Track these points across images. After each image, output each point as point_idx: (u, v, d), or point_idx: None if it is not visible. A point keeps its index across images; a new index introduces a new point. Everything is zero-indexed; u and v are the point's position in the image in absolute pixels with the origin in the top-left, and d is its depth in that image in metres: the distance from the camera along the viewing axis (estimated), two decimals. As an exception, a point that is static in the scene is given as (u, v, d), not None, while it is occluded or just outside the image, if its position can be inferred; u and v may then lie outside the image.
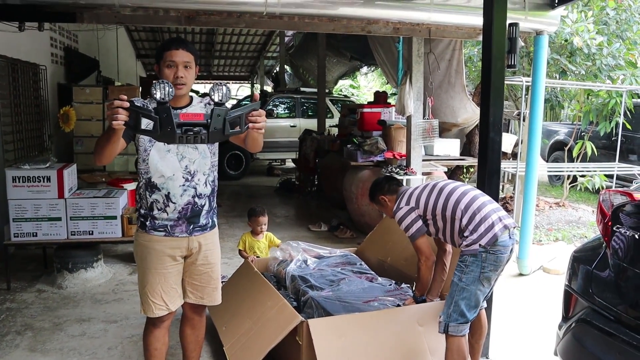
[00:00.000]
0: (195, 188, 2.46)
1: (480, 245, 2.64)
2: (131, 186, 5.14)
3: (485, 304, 2.96)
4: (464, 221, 2.72)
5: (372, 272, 3.66)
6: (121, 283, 4.59)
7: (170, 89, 2.02)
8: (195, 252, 2.54)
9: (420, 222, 2.89)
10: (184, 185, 2.43)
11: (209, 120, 1.99)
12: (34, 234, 4.42)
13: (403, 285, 3.40)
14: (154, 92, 2.00)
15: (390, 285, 3.43)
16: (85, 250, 4.60)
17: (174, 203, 2.43)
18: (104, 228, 4.53)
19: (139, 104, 2.10)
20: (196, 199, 2.47)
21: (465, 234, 2.71)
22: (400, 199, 2.99)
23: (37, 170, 4.40)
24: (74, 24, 7.88)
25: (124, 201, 4.74)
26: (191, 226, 2.49)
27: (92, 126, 7.05)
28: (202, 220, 2.52)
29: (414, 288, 3.26)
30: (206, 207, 2.53)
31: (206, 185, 2.50)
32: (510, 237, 2.70)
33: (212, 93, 2.08)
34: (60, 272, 4.52)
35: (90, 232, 4.52)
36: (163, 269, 2.48)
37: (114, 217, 4.53)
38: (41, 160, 4.73)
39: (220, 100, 2.06)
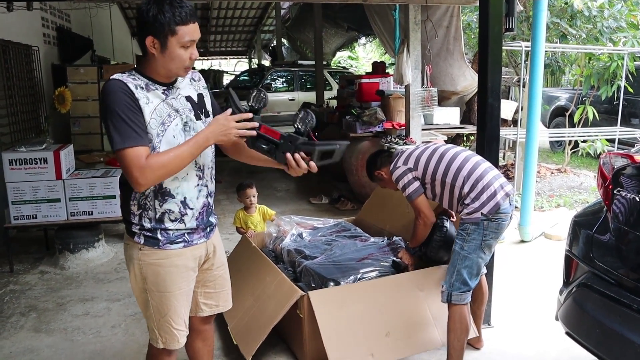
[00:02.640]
0: (207, 186, 2.08)
1: (482, 213, 2.62)
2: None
3: (485, 270, 2.96)
4: (466, 189, 2.69)
5: (366, 235, 3.66)
6: (123, 262, 4.58)
7: (264, 102, 1.91)
8: (211, 256, 2.17)
9: (417, 183, 2.83)
10: (198, 185, 2.03)
11: (281, 141, 1.91)
12: (34, 216, 4.42)
13: (395, 238, 3.40)
14: (249, 100, 1.90)
15: (383, 241, 3.43)
16: (85, 231, 4.60)
17: (192, 209, 2.01)
18: (103, 208, 4.53)
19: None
20: (209, 199, 2.10)
21: (467, 202, 2.68)
22: (397, 158, 2.92)
23: (34, 153, 4.37)
24: (65, 3, 7.78)
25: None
26: (207, 229, 2.12)
27: (88, 106, 6.99)
28: (213, 220, 2.16)
29: (407, 242, 3.21)
30: (212, 206, 2.18)
31: (212, 180, 2.13)
32: (510, 204, 2.68)
33: (296, 119, 1.92)
34: (62, 253, 4.53)
35: (90, 213, 4.52)
36: (187, 286, 2.06)
37: (113, 197, 4.52)
38: (37, 142, 4.70)
39: (300, 129, 1.92)
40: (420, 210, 2.85)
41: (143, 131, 1.83)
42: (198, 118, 2.02)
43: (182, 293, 2.04)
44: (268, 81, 11.36)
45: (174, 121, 1.92)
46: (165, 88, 1.94)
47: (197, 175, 2.01)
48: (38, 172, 4.38)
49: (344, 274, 3.02)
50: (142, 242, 1.98)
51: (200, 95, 2.07)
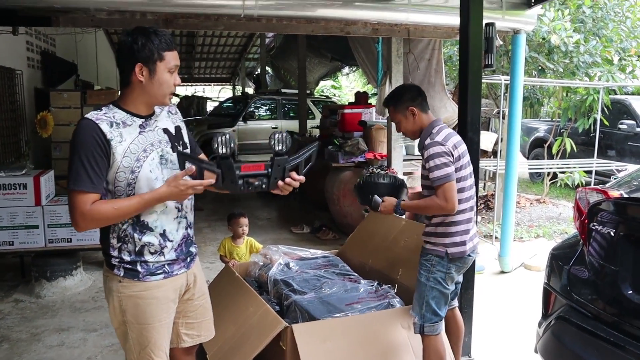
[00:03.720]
0: (187, 217, 2.11)
1: (447, 252, 2.62)
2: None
3: (456, 303, 2.98)
4: (450, 217, 2.61)
5: (355, 274, 3.65)
6: (101, 290, 4.47)
7: (232, 143, 1.87)
8: (192, 286, 2.17)
9: (451, 169, 2.50)
10: (177, 217, 2.05)
11: (270, 170, 1.93)
12: (11, 242, 4.34)
13: (384, 286, 3.40)
14: (216, 146, 1.84)
15: (372, 286, 3.42)
16: (63, 258, 4.53)
17: (171, 241, 2.03)
18: (82, 235, 4.45)
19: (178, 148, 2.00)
20: (188, 230, 2.13)
21: (439, 230, 2.63)
22: (438, 130, 2.60)
23: (13, 178, 4.33)
24: (51, 28, 7.80)
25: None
26: (188, 259, 2.13)
27: (70, 131, 6.84)
28: (193, 250, 2.18)
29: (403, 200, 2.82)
30: (192, 237, 2.20)
31: (192, 211, 2.16)
32: (472, 253, 2.70)
33: (273, 142, 1.93)
34: (39, 281, 4.44)
35: (69, 240, 4.45)
36: (167, 318, 2.06)
37: (93, 224, 4.45)
38: (17, 167, 4.65)
39: (281, 150, 1.94)
40: (448, 197, 2.48)
41: (99, 177, 1.85)
42: (175, 150, 2.04)
43: (162, 325, 2.03)
44: (252, 109, 11.39)
45: (149, 156, 1.94)
46: (143, 120, 1.97)
47: (176, 208, 2.03)
48: (17, 197, 4.32)
49: (333, 315, 2.97)
50: (122, 274, 1.97)
51: (177, 128, 2.11)
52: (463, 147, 2.66)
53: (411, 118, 2.68)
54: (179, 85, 2.02)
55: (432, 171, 2.52)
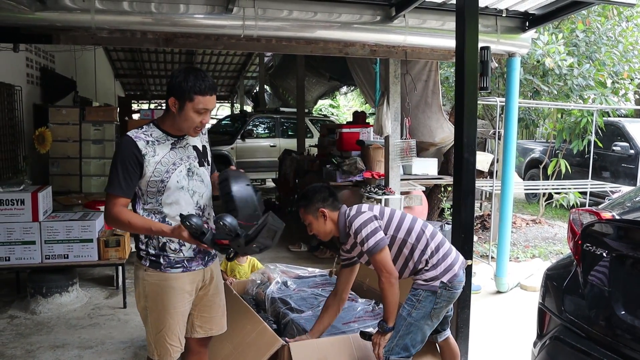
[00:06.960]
0: (207, 223, 2.37)
1: (441, 282, 2.60)
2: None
3: (449, 332, 2.93)
4: (427, 253, 2.64)
5: (352, 293, 3.66)
6: (97, 307, 4.51)
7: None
8: (208, 282, 2.46)
9: (382, 234, 2.59)
10: None
11: (231, 242, 2.18)
12: (7, 258, 4.33)
13: (381, 305, 3.41)
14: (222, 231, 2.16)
15: (369, 305, 3.43)
16: (60, 274, 4.51)
17: None
18: (79, 251, 4.46)
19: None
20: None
21: (426, 268, 2.64)
22: (349, 211, 2.69)
23: (11, 193, 4.33)
24: (51, 45, 7.87)
25: (101, 224, 4.68)
26: (206, 257, 2.42)
27: (68, 147, 6.98)
28: (212, 251, 2.42)
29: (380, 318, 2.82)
30: None
31: (211, 219, 2.43)
32: (463, 272, 2.71)
33: (222, 231, 2.15)
34: (34, 297, 4.42)
35: (66, 256, 4.45)
36: (182, 307, 2.36)
37: (90, 240, 4.47)
38: (15, 182, 4.66)
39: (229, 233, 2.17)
40: (384, 266, 2.58)
41: (129, 185, 2.22)
42: (201, 165, 2.40)
43: (177, 312, 2.32)
44: (250, 127, 11.42)
45: (177, 168, 2.29)
46: (175, 140, 2.32)
47: (197, 214, 2.32)
48: (14, 213, 4.32)
49: (330, 334, 2.98)
50: (148, 264, 2.32)
51: (204, 147, 2.46)
52: (378, 207, 2.74)
53: (322, 219, 2.70)
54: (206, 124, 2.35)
55: (363, 243, 2.57)
